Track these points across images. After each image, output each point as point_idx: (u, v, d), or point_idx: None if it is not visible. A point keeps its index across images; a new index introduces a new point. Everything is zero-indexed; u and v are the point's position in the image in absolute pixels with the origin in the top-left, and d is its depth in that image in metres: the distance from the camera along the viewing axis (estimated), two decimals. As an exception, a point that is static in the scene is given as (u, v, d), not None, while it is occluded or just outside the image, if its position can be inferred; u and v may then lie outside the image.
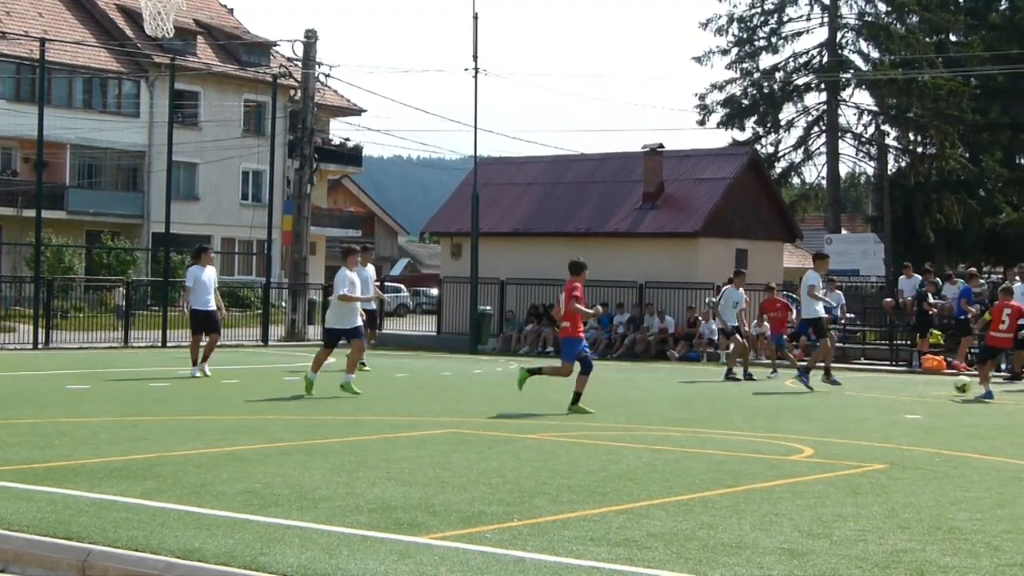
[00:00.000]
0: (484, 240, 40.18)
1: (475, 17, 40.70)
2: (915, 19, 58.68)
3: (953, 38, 62.19)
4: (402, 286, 73.31)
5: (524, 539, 8.38)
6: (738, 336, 27.06)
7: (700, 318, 35.65)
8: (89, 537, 8.18)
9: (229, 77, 65.02)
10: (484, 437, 14.52)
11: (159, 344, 36.35)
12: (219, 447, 13.05)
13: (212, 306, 24.12)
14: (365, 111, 74.49)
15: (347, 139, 74.29)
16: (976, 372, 24.49)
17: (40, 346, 34.57)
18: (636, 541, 8.38)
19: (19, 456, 11.95)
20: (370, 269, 25.05)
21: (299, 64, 44.72)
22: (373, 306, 26.95)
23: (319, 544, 8.07)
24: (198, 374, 23.60)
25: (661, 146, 41.17)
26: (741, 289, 27.61)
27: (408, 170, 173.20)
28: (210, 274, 24.42)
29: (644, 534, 8.62)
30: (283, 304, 45.34)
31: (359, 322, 20.98)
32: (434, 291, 58.41)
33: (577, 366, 17.90)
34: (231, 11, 72.54)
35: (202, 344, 24.23)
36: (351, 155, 74.69)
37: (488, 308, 39.92)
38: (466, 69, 41.66)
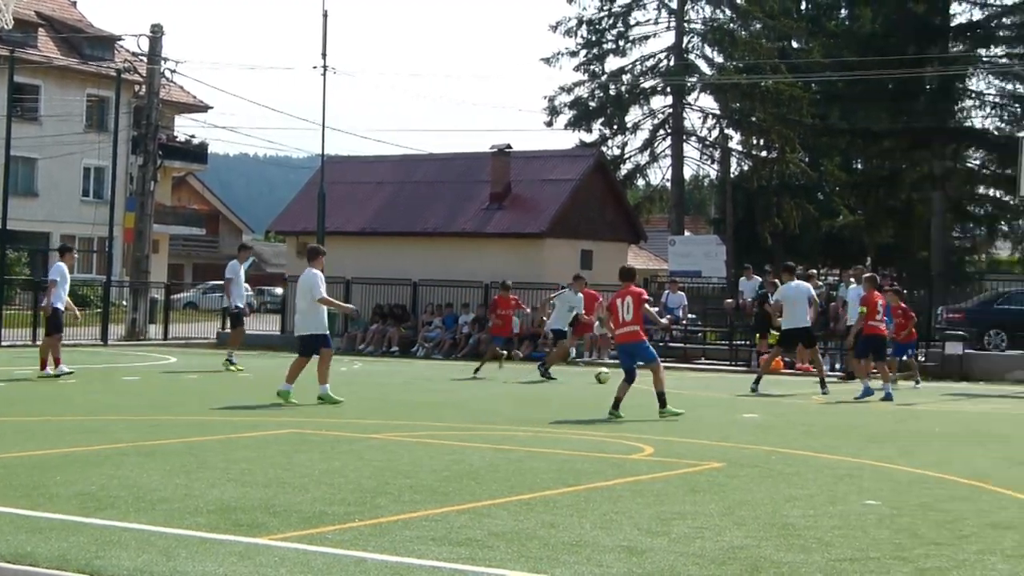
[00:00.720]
0: (331, 239, 39.92)
1: (324, 15, 40.54)
2: (759, 26, 59.65)
3: (795, 44, 63.39)
4: (246, 285, 72.46)
5: (366, 539, 8.35)
6: (563, 340, 27.36)
7: (545, 318, 35.84)
8: (-84, 541, 7.97)
9: (71, 71, 63.65)
10: (327, 437, 14.44)
11: (-6, 343, 35.47)
12: (54, 448, 12.79)
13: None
14: (211, 108, 73.48)
15: (192, 136, 73.32)
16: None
17: None
18: (478, 540, 8.40)
19: None
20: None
21: (144, 59, 44.00)
22: (242, 305, 27.00)
23: (157, 546, 7.95)
24: (65, 370, 23.40)
25: (509, 147, 41.34)
26: (580, 293, 27.63)
27: (254, 168, 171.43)
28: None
29: (486, 533, 8.65)
30: (124, 303, 44.56)
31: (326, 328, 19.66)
32: (279, 290, 57.88)
33: (622, 374, 18.24)
34: (74, 4, 71.09)
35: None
36: (196, 152, 73.70)
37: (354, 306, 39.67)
38: (314, 67, 41.48)
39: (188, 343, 39.09)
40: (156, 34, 42.74)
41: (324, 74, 40.74)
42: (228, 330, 27.50)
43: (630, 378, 17.89)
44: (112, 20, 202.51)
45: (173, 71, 45.38)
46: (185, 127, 74.52)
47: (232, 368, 25.87)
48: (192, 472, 11.20)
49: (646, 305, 18.34)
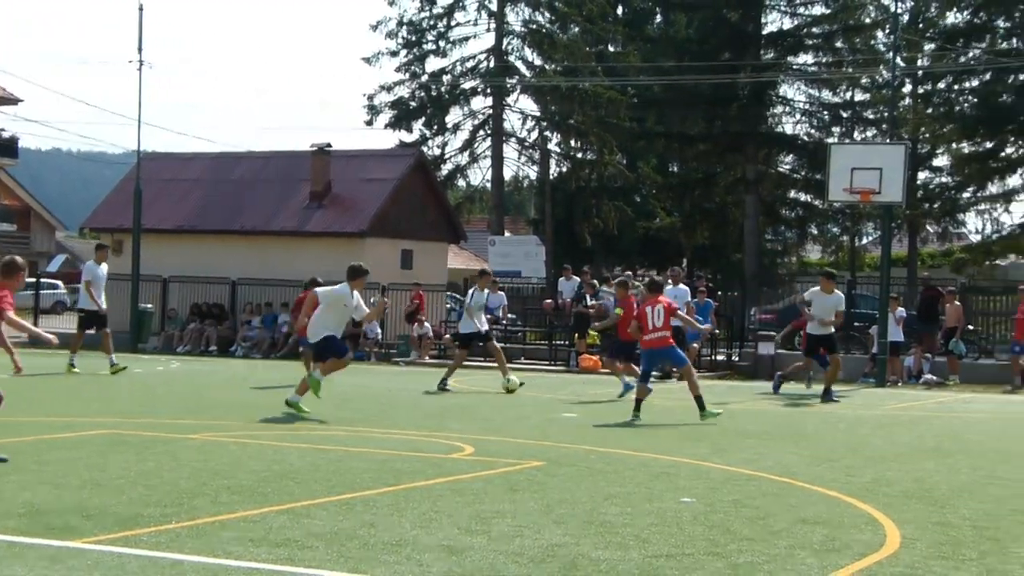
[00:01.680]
0: (147, 237, 39.29)
1: (140, 9, 39.81)
2: (577, 29, 60.23)
3: (612, 49, 64.15)
4: (59, 283, 70.79)
5: (182, 541, 8.25)
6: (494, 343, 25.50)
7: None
8: None
9: None
10: (143, 438, 14.21)
11: None
12: None
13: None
14: (22, 101, 71.76)
15: (2, 130, 71.36)
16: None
17: None
18: (297, 541, 8.36)
19: None
20: None
21: (-50, 50, 42.69)
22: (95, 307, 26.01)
23: (-36, 551, 7.75)
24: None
25: (329, 145, 41.13)
26: (486, 290, 25.61)
27: (68, 163, 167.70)
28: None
29: (305, 534, 8.61)
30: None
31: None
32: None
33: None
34: None
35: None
36: (6, 146, 71.80)
37: (149, 306, 39.07)
38: (130, 61, 40.68)
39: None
40: (-36, 24, 41.51)
41: (140, 69, 40.02)
42: (76, 331, 26.49)
43: (645, 379, 18.69)
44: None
45: (-19, 63, 44.14)
46: (-7, 121, 72.61)
47: (74, 370, 25.22)
48: (2, 475, 10.92)
49: (680, 312, 19.66)
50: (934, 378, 30.13)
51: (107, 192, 46.22)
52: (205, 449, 13.32)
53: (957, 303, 31.68)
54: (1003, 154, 51.93)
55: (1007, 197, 54.97)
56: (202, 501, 9.85)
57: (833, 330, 23.51)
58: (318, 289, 18.46)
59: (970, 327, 31.37)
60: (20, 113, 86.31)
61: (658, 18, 66.46)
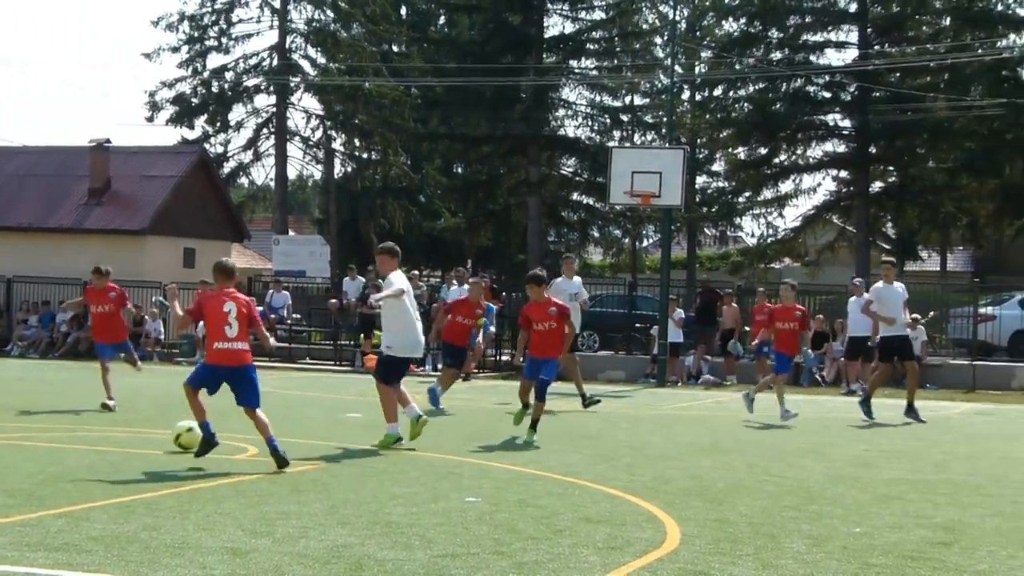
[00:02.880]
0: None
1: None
2: (361, 29, 60.09)
3: (396, 49, 64.18)
4: None
5: (-45, 547, 8.01)
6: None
7: (147, 317, 35.12)
8: None
9: None
10: (-89, 441, 13.73)
11: None
12: None
13: None
14: None
15: None
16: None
17: None
18: (76, 545, 8.19)
19: None
20: None
21: None
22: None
23: None
24: None
25: (108, 141, 40.28)
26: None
27: None
28: None
29: (84, 537, 8.44)
30: None
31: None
32: None
33: None
34: None
35: None
36: None
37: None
38: None
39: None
40: None
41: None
42: None
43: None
44: None
45: None
46: None
47: None
48: None
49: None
50: (712, 378, 30.89)
51: None
52: (-22, 452, 12.93)
53: (734, 305, 32.54)
54: (776, 160, 53.50)
55: (780, 202, 56.65)
56: (-25, 506, 9.58)
57: (910, 330, 22.67)
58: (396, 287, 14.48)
59: (747, 328, 32.19)
60: None
61: (441, 20, 66.72)
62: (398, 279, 14.48)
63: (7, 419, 16.64)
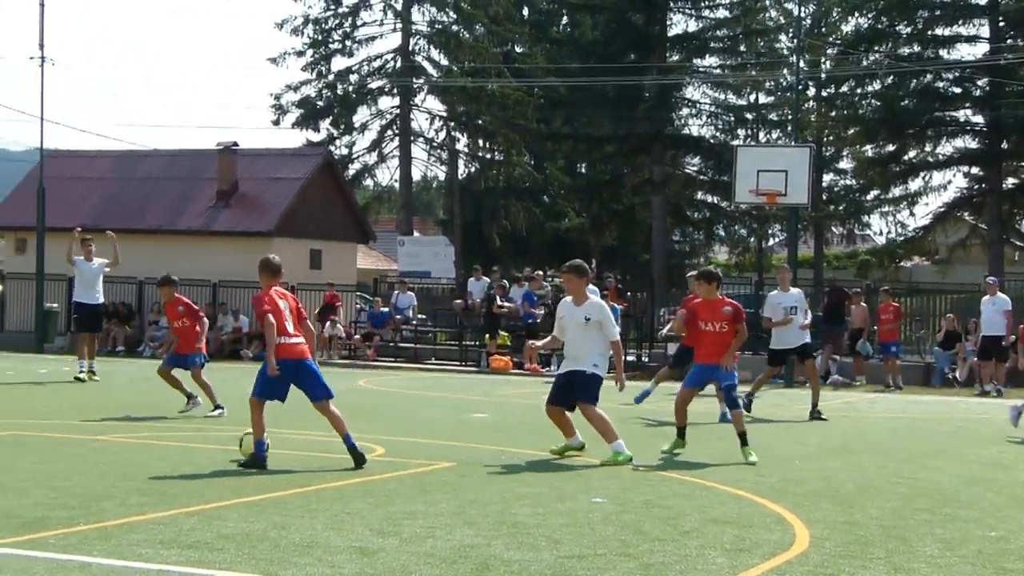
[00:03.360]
0: (51, 236, 38.71)
1: (41, 3, 39.24)
2: (483, 30, 60.31)
3: (519, 50, 64.30)
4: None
5: (91, 544, 8.14)
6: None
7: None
8: None
9: None
10: (49, 439, 14.02)
11: None
12: None
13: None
14: (-80, 97, 70.52)
15: (-101, 126, 70.21)
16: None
17: None
18: (208, 543, 8.28)
19: None
20: None
21: None
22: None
23: None
24: None
25: (236, 144, 40.84)
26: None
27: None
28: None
29: (216, 535, 8.54)
30: None
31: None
32: (-3, 287, 55.82)
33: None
34: None
35: None
36: (-95, 143, 70.59)
37: (55, 306, 38.52)
38: (32, 57, 40.08)
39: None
40: None
41: (42, 65, 39.46)
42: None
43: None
44: None
45: None
46: None
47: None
48: (-97, 478, 10.73)
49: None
50: (841, 379, 30.48)
51: (8, 190, 45.53)
52: (112, 451, 13.17)
53: (863, 304, 32.09)
54: (905, 158, 52.71)
55: (910, 200, 55.84)
56: (110, 503, 9.73)
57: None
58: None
59: (875, 328, 31.76)
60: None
61: (564, 20, 66.69)
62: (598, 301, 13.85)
63: (136, 418, 16.92)
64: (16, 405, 18.20)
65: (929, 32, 51.52)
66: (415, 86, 60.50)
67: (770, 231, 65.58)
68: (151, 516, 9.23)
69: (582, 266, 13.88)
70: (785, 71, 57.90)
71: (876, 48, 52.84)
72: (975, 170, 52.41)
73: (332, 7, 60.21)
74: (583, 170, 66.90)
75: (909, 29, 51.91)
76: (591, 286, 28.83)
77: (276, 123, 60.88)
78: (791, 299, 20.60)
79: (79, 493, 10.14)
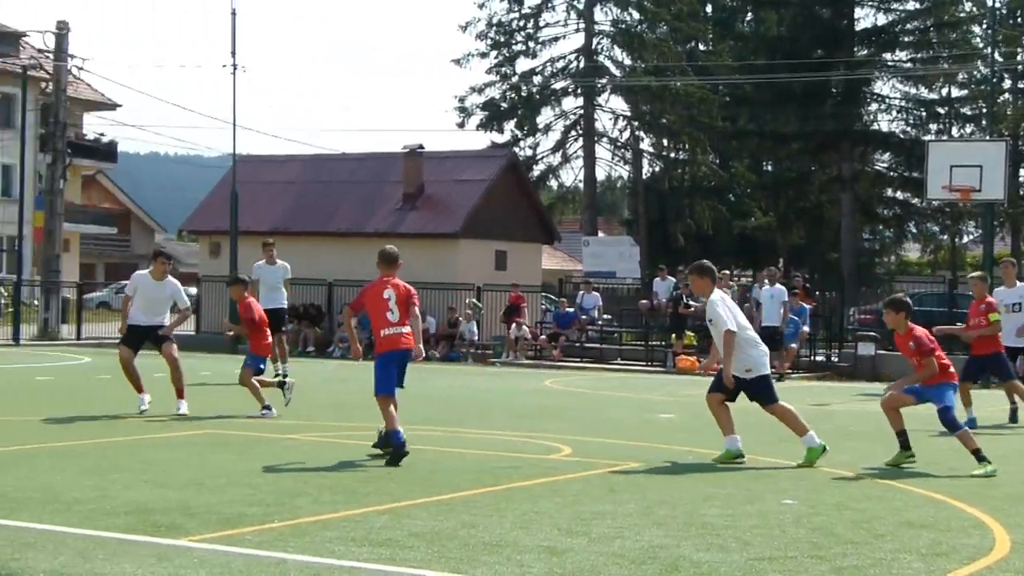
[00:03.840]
0: (243, 239, 39.63)
1: (233, 13, 40.21)
2: (666, 28, 60.05)
3: (702, 47, 63.87)
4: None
5: (285, 540, 8.30)
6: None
7: (461, 319, 35.85)
8: None
9: (-24, 68, 62.53)
10: (244, 438, 14.34)
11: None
12: (-35, 450, 12.60)
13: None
14: (120, 106, 72.73)
15: (101, 134, 72.52)
16: None
17: None
18: (398, 541, 8.38)
19: None
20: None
21: (51, 56, 43.40)
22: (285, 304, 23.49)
23: (73, 548, 7.85)
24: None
25: (421, 147, 41.29)
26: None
27: (165, 167, 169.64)
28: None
29: (406, 534, 8.63)
30: (35, 302, 43.98)
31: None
32: (193, 290, 57.33)
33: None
34: (-23, -1, 69.98)
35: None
36: (105, 150, 72.89)
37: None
38: (224, 65, 41.08)
39: (101, 343, 38.53)
40: (62, 31, 42.18)
41: (234, 72, 40.43)
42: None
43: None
44: (16, 16, 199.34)
45: (80, 68, 44.86)
46: (94, 125, 73.68)
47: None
48: (105, 473, 11.07)
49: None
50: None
51: (203, 195, 46.73)
52: (304, 450, 13.41)
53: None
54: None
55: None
56: (304, 501, 9.91)
57: None
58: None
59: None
60: (118, 118, 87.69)
61: (748, 16, 66.09)
62: (721, 303, 13.23)
63: (327, 418, 17.21)
64: (212, 405, 18.64)
65: None
66: (598, 86, 60.51)
67: (964, 228, 64.06)
68: (343, 514, 9.38)
69: (702, 265, 13.57)
70: (979, 63, 56.51)
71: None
72: None
73: (515, 9, 60.55)
74: (769, 168, 66.18)
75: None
76: (778, 285, 28.63)
77: (461, 125, 61.49)
78: (1015, 295, 18.99)
79: (273, 491, 10.34)
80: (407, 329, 12.82)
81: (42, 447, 12.93)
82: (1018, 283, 19.26)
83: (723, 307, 13.04)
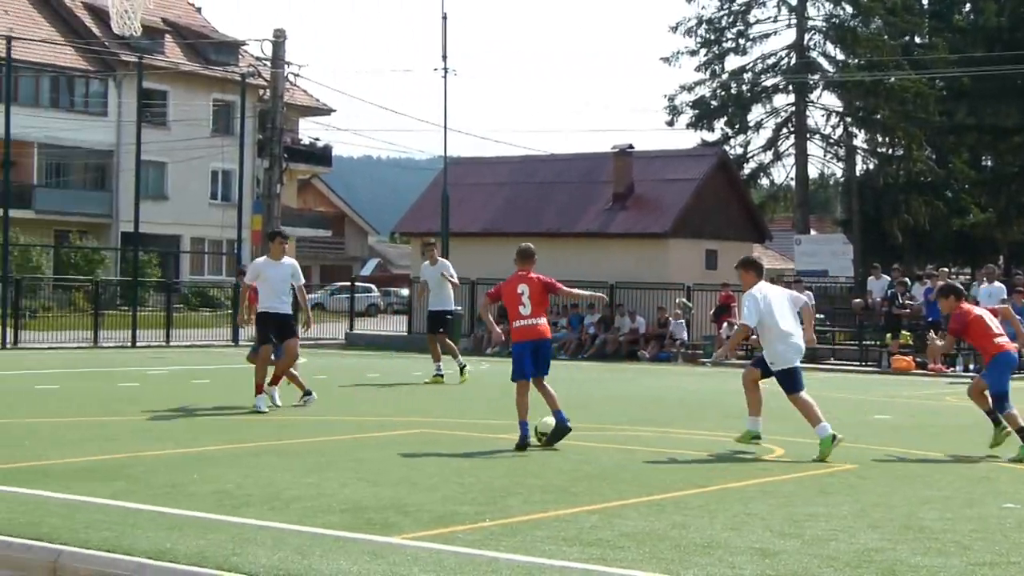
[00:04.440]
0: (454, 240, 40.15)
1: (444, 17, 40.81)
2: (880, 22, 58.94)
3: (918, 41, 62.52)
4: (373, 286, 73.28)
5: (497, 539, 8.37)
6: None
7: (671, 318, 35.70)
8: (60, 538, 8.13)
9: (197, 76, 64.60)
10: (455, 437, 14.50)
11: (129, 344, 36.21)
12: (190, 448, 13.01)
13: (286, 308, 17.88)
14: (334, 111, 74.48)
15: (316, 139, 74.16)
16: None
17: (8, 346, 34.39)
18: (609, 541, 8.38)
19: (-12, 457, 11.88)
20: None
21: (268, 63, 44.54)
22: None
23: (291, 545, 8.04)
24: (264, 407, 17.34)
25: (631, 146, 41.26)
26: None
27: (378, 170, 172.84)
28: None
29: (616, 534, 8.63)
30: (253, 304, 45.16)
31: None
32: (405, 291, 58.38)
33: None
34: (199, 10, 72.22)
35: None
36: (320, 155, 74.55)
37: (459, 308, 39.86)
38: (435, 69, 41.74)
39: (317, 343, 39.41)
40: (279, 39, 43.24)
41: (445, 76, 41.04)
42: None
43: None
44: (236, 25, 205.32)
45: (296, 75, 45.88)
46: (309, 130, 75.49)
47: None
48: (322, 472, 11.31)
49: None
50: None
51: (415, 197, 47.44)
52: (513, 449, 13.49)
53: None
54: None
55: None
56: (515, 500, 9.98)
57: None
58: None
59: None
60: (332, 123, 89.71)
61: (966, 7, 64.43)
62: (751, 298, 13.44)
63: (539, 418, 17.28)
64: (422, 405, 18.90)
65: None
66: (810, 82, 59.68)
67: None
68: (554, 513, 9.41)
69: (747, 259, 14.17)
70: None
71: None
72: None
73: (725, 6, 60.12)
74: (988, 163, 64.39)
75: None
76: (997, 283, 27.79)
77: (670, 124, 61.30)
78: None
79: (485, 490, 10.44)
80: (542, 321, 14.06)
81: (262, 446, 13.27)
82: None
83: (751, 301, 13.47)
